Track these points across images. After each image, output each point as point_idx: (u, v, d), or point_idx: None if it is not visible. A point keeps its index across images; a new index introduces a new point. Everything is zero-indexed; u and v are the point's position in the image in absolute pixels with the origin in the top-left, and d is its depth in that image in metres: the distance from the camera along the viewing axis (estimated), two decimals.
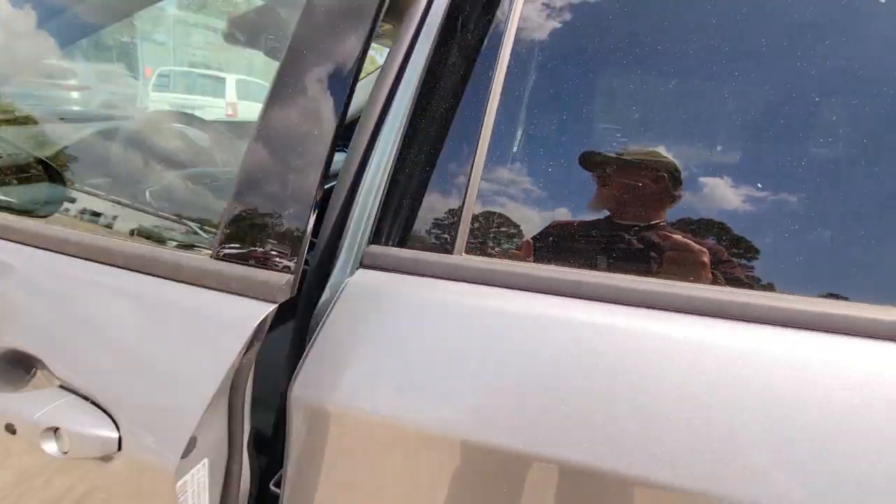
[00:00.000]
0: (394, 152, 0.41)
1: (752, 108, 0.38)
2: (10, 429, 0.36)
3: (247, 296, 0.37)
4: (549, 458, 0.31)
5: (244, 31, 1.06)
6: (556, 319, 0.34)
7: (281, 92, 0.38)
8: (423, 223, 0.42)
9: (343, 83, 0.37)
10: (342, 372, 0.37)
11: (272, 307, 0.36)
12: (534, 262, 0.38)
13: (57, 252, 0.43)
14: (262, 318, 0.35)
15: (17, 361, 0.40)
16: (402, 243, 0.42)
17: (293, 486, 0.39)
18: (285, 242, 0.38)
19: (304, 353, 0.38)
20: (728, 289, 0.34)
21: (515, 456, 0.32)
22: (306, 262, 0.39)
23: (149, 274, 0.40)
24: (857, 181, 0.35)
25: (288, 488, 0.39)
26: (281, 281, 0.37)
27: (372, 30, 0.38)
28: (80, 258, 0.41)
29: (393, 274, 0.40)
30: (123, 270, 0.40)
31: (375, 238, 0.41)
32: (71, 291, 0.41)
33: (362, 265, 0.41)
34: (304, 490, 0.39)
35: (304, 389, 0.37)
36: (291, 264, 0.37)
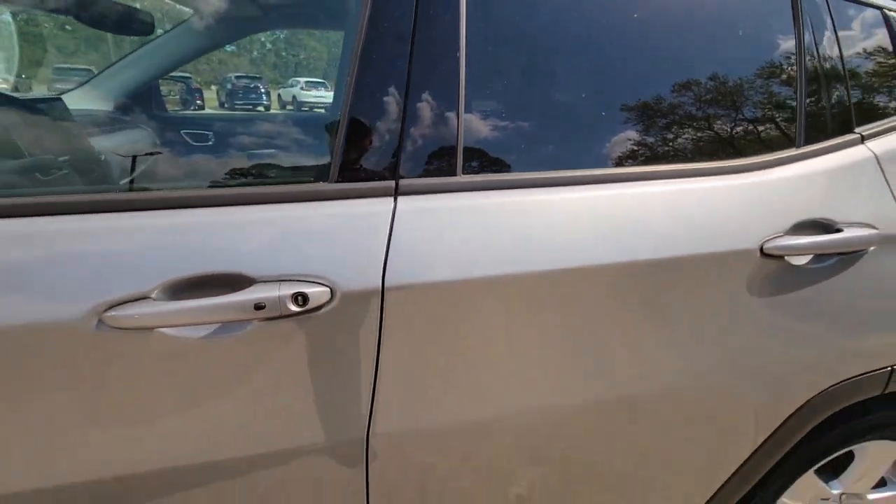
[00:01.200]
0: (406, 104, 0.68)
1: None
2: (260, 305, 0.55)
3: (379, 195, 0.63)
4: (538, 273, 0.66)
5: None
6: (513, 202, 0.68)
7: (368, 53, 0.62)
8: (431, 159, 0.67)
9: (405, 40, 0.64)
10: (423, 261, 0.62)
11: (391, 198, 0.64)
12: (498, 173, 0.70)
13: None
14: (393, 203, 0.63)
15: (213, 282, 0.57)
16: (421, 175, 0.65)
17: (393, 364, 0.63)
18: (384, 163, 0.65)
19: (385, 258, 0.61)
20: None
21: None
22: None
23: (295, 202, 0.61)
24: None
25: (388, 367, 0.62)
26: (391, 185, 0.64)
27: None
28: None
29: (424, 195, 0.65)
30: (276, 204, 0.60)
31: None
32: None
33: (399, 193, 0.64)
34: (407, 362, 0.64)
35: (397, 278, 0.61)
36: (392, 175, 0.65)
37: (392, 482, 0.71)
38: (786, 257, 0.78)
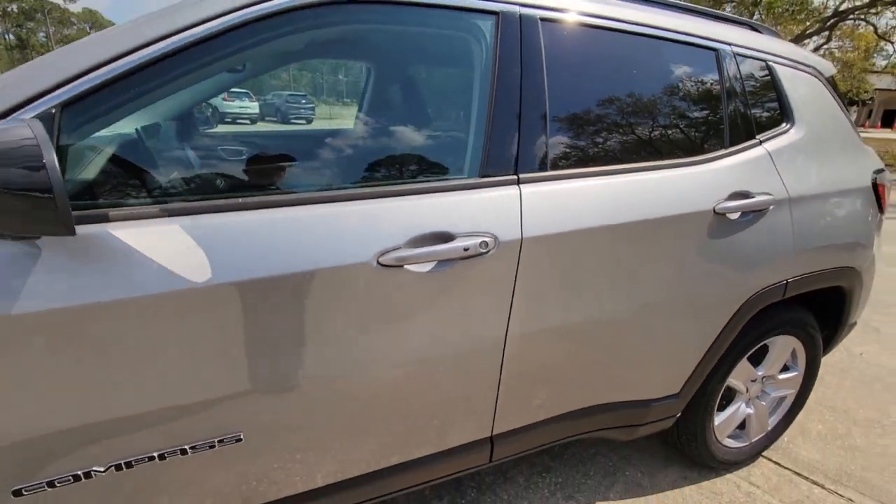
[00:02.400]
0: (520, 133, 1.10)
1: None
2: (466, 248, 0.95)
3: (509, 185, 1.05)
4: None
5: None
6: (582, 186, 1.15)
7: (498, 103, 1.04)
8: (533, 162, 1.10)
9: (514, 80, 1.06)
10: (538, 222, 1.06)
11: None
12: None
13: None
14: (518, 189, 1.05)
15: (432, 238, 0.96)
16: (529, 171, 1.10)
17: (524, 284, 1.07)
18: (510, 166, 1.06)
19: (521, 221, 1.07)
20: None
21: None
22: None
23: (466, 190, 1.01)
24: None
25: (521, 286, 1.07)
26: (515, 178, 1.06)
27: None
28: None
29: (532, 183, 1.09)
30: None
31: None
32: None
33: (520, 183, 1.09)
34: (532, 282, 1.08)
35: (528, 233, 1.06)
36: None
37: (517, 364, 1.12)
38: (726, 214, 1.30)
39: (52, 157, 0.60)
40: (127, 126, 1.11)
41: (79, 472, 0.80)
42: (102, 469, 0.82)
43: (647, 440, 1.87)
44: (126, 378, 0.78)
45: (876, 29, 15.02)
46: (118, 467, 0.83)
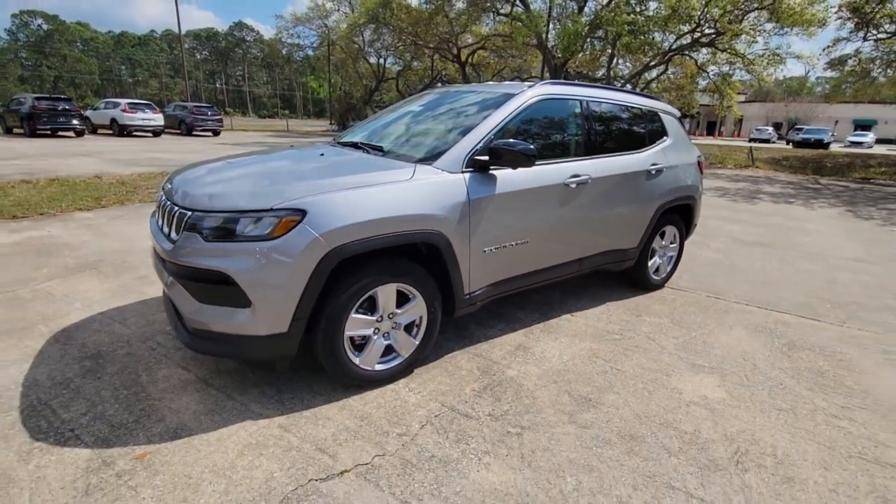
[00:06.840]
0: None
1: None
2: (579, 175, 2.93)
3: (591, 158, 3.06)
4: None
5: None
6: None
7: (586, 125, 3.05)
8: (596, 147, 3.16)
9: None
10: (600, 171, 3.11)
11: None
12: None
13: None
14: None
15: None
16: (595, 152, 3.14)
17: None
18: (589, 149, 3.07)
19: (596, 170, 3.08)
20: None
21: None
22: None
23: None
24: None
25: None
26: (591, 156, 3.08)
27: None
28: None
29: (596, 159, 3.13)
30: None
31: None
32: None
33: (592, 158, 3.11)
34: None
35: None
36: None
37: (594, 226, 3.14)
38: (651, 171, 3.47)
39: (534, 150, 2.45)
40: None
41: (497, 247, 2.62)
42: (499, 247, 2.64)
43: (619, 285, 4.02)
44: (517, 216, 2.63)
45: (696, 62, 20.18)
46: (504, 247, 2.66)
